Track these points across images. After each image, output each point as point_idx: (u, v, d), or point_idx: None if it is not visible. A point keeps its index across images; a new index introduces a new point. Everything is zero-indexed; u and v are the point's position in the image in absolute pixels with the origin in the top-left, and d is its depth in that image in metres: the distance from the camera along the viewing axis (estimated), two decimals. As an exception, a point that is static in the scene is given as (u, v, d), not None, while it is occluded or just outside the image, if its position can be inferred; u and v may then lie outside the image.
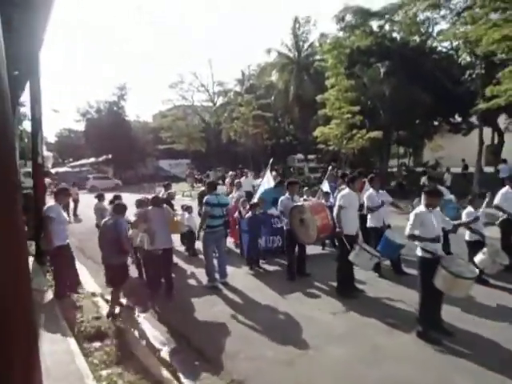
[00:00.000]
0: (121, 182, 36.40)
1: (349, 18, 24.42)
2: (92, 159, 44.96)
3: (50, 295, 4.95)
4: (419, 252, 4.49)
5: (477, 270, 4.25)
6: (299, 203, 6.78)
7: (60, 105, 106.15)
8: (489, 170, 22.14)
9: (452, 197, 7.12)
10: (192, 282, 7.19)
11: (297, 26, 30.33)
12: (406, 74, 21.49)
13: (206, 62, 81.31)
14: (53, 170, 37.31)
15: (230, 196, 9.87)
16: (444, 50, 25.09)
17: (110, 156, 41.09)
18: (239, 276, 7.27)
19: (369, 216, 6.80)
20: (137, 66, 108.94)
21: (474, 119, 26.70)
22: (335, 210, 5.98)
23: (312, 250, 7.75)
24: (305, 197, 8.59)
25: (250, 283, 6.85)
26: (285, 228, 7.01)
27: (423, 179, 17.02)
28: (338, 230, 5.87)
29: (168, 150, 37.96)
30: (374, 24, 25.17)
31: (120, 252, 5.35)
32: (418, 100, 19.36)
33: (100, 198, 9.81)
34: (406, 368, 3.96)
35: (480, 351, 4.18)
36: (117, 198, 8.75)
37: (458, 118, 26.92)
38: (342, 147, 18.75)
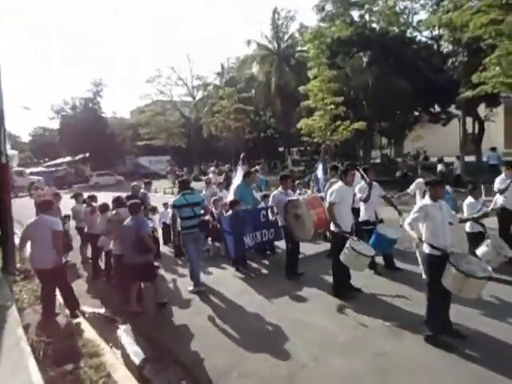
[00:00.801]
0: (123, 178, 34.79)
1: (329, 7, 24.12)
2: (68, 158, 43.39)
3: (13, 312, 4.35)
4: (426, 249, 4.10)
5: (489, 268, 3.89)
6: (294, 197, 6.34)
7: (33, 103, 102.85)
8: (468, 159, 22.16)
9: (448, 187, 6.80)
10: (175, 287, 6.65)
11: (276, 16, 29.78)
12: (388, 63, 21.31)
13: (183, 56, 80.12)
14: (27, 170, 35.76)
15: (201, 195, 9.12)
16: (423, 39, 25.06)
17: (87, 154, 39.74)
18: (226, 279, 6.78)
19: (362, 209, 6.41)
20: (113, 63, 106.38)
21: (453, 109, 26.88)
22: (326, 206, 5.56)
23: (304, 247, 7.26)
24: (299, 191, 8.17)
25: (237, 287, 6.36)
26: (280, 224, 6.59)
27: (439, 167, 16.83)
28: (333, 228, 5.45)
29: (147, 147, 36.94)
30: (355, 14, 24.94)
31: (144, 250, 5.41)
32: (400, 90, 19.20)
33: (77, 198, 9.11)
34: (419, 379, 3.58)
35: (493, 354, 3.84)
36: (91, 198, 8.14)
37: (438, 108, 27.08)
38: (326, 139, 18.40)
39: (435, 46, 24.28)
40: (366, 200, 6.23)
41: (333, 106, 17.57)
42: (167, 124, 35.44)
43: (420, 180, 7.54)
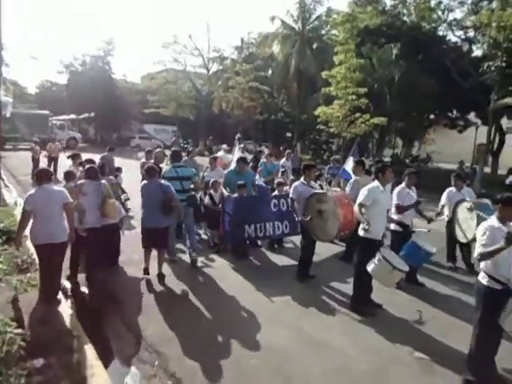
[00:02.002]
0: (162, 144, 32.70)
1: (362, -9, 22.83)
2: (73, 116, 42.27)
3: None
4: (484, 279, 3.39)
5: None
6: (320, 191, 5.60)
7: (42, 55, 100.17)
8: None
9: (488, 201, 6.07)
10: (170, 281, 5.90)
11: (305, -5, 28.26)
12: (416, 60, 20.25)
13: (203, 25, 77.78)
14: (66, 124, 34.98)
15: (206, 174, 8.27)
16: (454, 39, 23.87)
17: (92, 114, 38.62)
18: (227, 274, 5.99)
19: (395, 217, 5.68)
20: (129, 25, 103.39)
21: (472, 116, 25.89)
22: (356, 208, 4.84)
23: (320, 247, 6.47)
24: (319, 183, 7.40)
25: (239, 284, 5.61)
26: (296, 219, 5.86)
27: (510, 178, 15.38)
28: (361, 233, 4.75)
29: (154, 115, 35.92)
30: (388, 2, 23.70)
31: (167, 214, 5.35)
32: (428, 89, 18.17)
33: (74, 158, 8.44)
34: None
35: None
36: (90, 161, 7.40)
37: (456, 114, 26.13)
38: (342, 131, 17.53)
39: (465, 48, 23.16)
40: (401, 211, 5.56)
41: (354, 97, 16.66)
42: (177, 93, 34.28)
43: (451, 189, 6.84)
